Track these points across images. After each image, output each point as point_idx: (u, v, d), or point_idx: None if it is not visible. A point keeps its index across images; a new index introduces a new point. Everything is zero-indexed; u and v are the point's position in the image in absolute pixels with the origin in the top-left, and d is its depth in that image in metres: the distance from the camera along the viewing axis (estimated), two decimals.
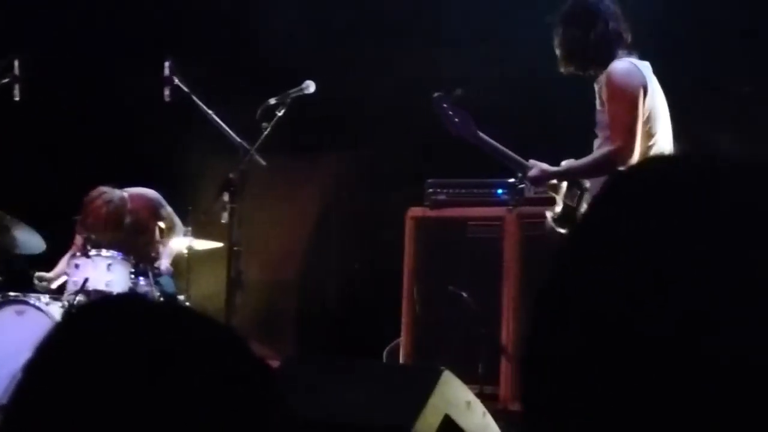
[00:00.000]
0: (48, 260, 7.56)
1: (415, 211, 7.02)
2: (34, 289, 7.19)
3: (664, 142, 5.30)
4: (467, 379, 5.25)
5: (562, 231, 5.51)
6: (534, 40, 5.86)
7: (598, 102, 5.41)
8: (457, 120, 5.75)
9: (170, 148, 8.11)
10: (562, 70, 5.47)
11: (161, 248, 7.50)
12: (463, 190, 6.96)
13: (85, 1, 9.15)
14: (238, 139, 6.48)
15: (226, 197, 6.26)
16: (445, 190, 6.99)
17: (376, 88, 8.15)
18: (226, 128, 6.54)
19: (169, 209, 7.63)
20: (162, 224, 7.49)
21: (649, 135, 5.24)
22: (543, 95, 7.19)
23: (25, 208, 7.53)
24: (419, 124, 7.06)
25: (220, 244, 7.33)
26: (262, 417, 1.12)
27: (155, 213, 7.57)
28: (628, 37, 5.38)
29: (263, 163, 6.51)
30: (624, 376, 0.90)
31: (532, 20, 5.94)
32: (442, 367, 5.06)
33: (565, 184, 5.52)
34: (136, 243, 7.37)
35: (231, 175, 6.22)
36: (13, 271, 7.33)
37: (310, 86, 6.14)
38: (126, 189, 7.44)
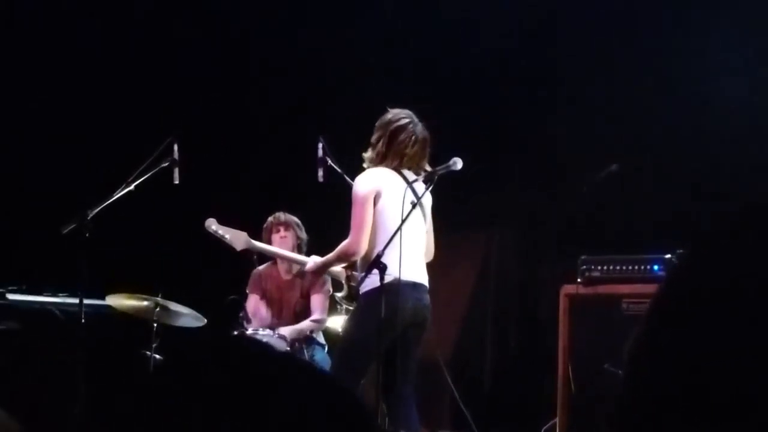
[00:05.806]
0: None
1: (568, 288, 6.90)
2: None
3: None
4: None
5: (350, 307, 6.35)
6: None
7: None
8: (228, 237, 6.95)
9: (326, 225, 8.15)
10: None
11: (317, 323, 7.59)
12: (618, 267, 6.82)
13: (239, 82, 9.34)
14: None
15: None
16: (599, 267, 6.86)
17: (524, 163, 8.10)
18: None
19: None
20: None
21: (383, 226, 6.03)
22: None
23: (187, 290, 7.59)
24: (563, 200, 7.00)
25: None
26: None
27: (323, 283, 7.71)
28: (409, 153, 6.13)
29: None
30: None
31: None
32: None
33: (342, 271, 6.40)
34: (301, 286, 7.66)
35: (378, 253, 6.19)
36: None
37: (458, 163, 6.02)
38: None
